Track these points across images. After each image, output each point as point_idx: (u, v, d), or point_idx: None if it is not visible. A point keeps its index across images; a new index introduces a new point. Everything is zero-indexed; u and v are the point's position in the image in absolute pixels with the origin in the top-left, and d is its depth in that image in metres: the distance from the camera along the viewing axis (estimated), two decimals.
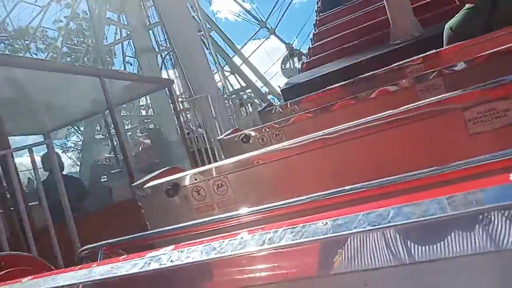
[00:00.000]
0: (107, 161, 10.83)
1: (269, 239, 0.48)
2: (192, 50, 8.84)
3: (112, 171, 8.27)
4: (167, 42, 16.82)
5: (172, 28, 9.02)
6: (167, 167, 1.70)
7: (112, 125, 5.44)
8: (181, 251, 0.55)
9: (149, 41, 15.06)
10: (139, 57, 14.66)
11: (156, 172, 1.66)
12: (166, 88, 6.89)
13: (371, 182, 0.75)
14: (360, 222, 0.42)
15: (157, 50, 16.22)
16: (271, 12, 20.69)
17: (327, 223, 0.45)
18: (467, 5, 2.41)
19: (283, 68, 16.63)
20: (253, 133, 2.18)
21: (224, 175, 1.39)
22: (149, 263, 0.57)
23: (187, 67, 8.74)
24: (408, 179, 0.70)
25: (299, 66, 4.56)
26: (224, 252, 0.50)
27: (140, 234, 1.11)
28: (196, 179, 1.45)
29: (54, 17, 19.64)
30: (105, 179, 8.09)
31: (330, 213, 0.48)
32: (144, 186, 1.54)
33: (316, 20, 6.25)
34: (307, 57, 4.92)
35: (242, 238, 0.52)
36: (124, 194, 5.00)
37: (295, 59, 16.57)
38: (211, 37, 16.96)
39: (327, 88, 2.49)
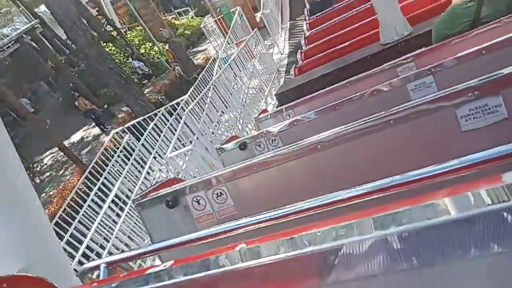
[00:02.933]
0: None
1: (267, 250, 0.49)
2: None
3: None
4: None
5: None
6: (167, 179, 1.70)
7: None
8: (180, 266, 0.55)
9: None
10: None
11: (155, 184, 1.66)
12: None
13: (368, 184, 0.75)
14: (357, 229, 0.43)
15: None
16: None
17: (322, 232, 0.46)
18: (454, 2, 2.44)
19: None
20: (250, 140, 2.19)
21: (223, 184, 1.40)
22: (148, 281, 0.57)
23: None
24: (405, 180, 0.71)
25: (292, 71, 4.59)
26: (223, 267, 0.50)
27: (143, 250, 1.11)
28: (195, 189, 1.46)
29: None
30: None
31: (327, 222, 0.48)
32: (144, 199, 1.54)
33: (306, 23, 6.29)
34: (299, 61, 4.95)
35: (240, 250, 0.52)
36: None
37: None
38: None
39: (321, 91, 2.51)
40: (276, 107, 3.31)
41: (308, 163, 1.33)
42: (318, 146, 1.29)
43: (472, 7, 2.33)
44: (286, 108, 2.63)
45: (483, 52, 1.66)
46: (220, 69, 6.97)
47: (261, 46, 8.33)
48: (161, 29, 11.98)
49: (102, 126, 13.41)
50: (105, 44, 15.71)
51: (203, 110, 6.23)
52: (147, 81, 15.19)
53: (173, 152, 5.18)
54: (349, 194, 0.79)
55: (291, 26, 10.03)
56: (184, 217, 1.46)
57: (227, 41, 9.43)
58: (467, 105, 1.00)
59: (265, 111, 2.92)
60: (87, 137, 14.27)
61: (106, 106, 14.41)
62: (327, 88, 2.48)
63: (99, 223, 5.16)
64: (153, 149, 7.31)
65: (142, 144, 7.51)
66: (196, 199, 1.43)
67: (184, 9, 20.97)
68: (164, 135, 7.20)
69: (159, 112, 7.74)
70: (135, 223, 5.61)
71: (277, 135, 2.10)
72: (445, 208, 0.54)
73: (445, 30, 2.42)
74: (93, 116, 13.37)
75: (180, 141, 6.02)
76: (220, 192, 1.40)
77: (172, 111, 7.46)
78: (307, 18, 6.73)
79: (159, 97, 12.23)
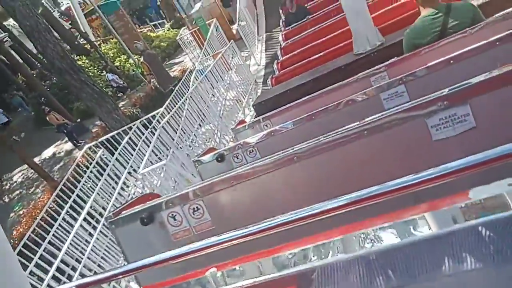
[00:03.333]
0: None
1: (238, 274, 0.47)
2: None
3: None
4: None
5: None
6: (141, 194, 1.65)
7: None
8: None
9: None
10: None
11: (130, 201, 1.61)
12: None
13: (343, 197, 0.75)
14: (330, 249, 0.41)
15: None
16: None
17: (295, 254, 0.44)
18: (423, 13, 2.54)
19: None
20: (227, 152, 2.17)
21: (200, 198, 1.36)
22: None
23: None
24: (379, 191, 0.71)
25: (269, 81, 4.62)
26: None
27: (116, 271, 1.06)
28: (171, 204, 1.42)
29: None
30: None
31: (301, 241, 0.47)
32: (117, 217, 1.48)
33: (282, 34, 6.38)
34: (276, 71, 5.00)
35: (210, 275, 0.50)
36: None
37: None
38: None
39: (297, 101, 2.53)
40: (254, 118, 3.31)
41: (286, 175, 1.32)
42: (295, 157, 1.28)
43: (440, 19, 2.43)
44: (264, 118, 2.63)
45: (451, 61, 1.72)
46: (197, 80, 6.87)
47: (238, 57, 8.27)
48: (135, 41, 11.71)
49: (75, 141, 12.96)
50: (78, 57, 15.33)
51: (179, 123, 6.11)
52: (122, 94, 14.86)
53: (146, 168, 4.95)
54: (325, 207, 0.78)
55: (267, 38, 10.06)
56: (160, 234, 1.41)
57: (204, 53, 9.30)
58: (437, 115, 1.03)
59: (242, 122, 2.91)
60: (59, 152, 13.71)
61: (79, 120, 13.98)
62: (303, 98, 2.50)
63: (70, 243, 4.84)
64: (128, 163, 7.02)
65: (116, 159, 7.22)
66: (172, 214, 1.39)
67: (160, 21, 20.82)
68: (139, 149, 6.92)
69: (134, 125, 7.46)
70: (108, 242, 5.32)
71: (254, 147, 2.09)
72: (419, 222, 0.54)
73: (414, 40, 2.50)
74: (65, 131, 12.92)
75: (157, 155, 5.85)
76: (197, 207, 1.37)
77: (148, 125, 7.21)
78: (282, 29, 6.83)
79: (134, 110, 11.85)
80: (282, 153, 1.30)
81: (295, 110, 2.46)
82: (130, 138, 7.09)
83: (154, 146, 5.61)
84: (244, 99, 7.61)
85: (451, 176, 0.61)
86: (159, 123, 5.95)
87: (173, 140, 5.79)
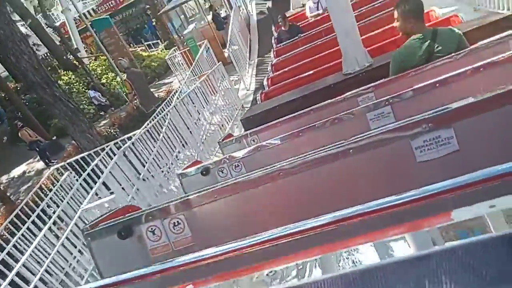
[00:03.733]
0: None
1: None
2: None
3: None
4: None
5: None
6: (121, 206, 1.61)
7: None
8: None
9: None
10: None
11: (109, 212, 1.56)
12: None
13: (326, 216, 0.73)
14: (312, 268, 0.40)
15: None
16: None
17: (275, 272, 0.42)
18: (411, 37, 2.60)
19: None
20: (212, 165, 2.14)
21: (180, 213, 1.33)
22: None
23: None
24: (362, 211, 0.69)
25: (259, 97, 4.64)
26: None
27: (89, 286, 1.01)
28: (151, 218, 1.38)
29: None
30: None
31: (282, 259, 0.45)
32: (94, 229, 1.43)
33: (274, 51, 6.46)
34: (266, 87, 5.03)
35: None
36: None
37: None
38: None
39: (285, 117, 2.53)
40: (242, 132, 3.30)
41: (270, 191, 1.30)
42: (280, 173, 1.27)
43: (426, 43, 2.49)
44: (251, 133, 2.62)
45: (437, 85, 1.75)
46: (180, 102, 6.39)
47: (226, 81, 7.94)
48: (119, 58, 11.27)
49: (47, 160, 11.92)
50: (65, 72, 14.97)
51: (154, 147, 5.61)
52: (104, 112, 14.19)
53: (89, 204, 4.30)
54: (307, 225, 0.77)
55: (259, 63, 9.89)
56: (138, 249, 1.36)
57: (191, 74, 8.97)
58: (422, 137, 1.03)
59: (229, 136, 2.89)
60: (29, 171, 12.66)
61: (55, 137, 12.94)
62: (291, 115, 2.51)
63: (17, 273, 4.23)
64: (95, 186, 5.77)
65: (81, 184, 6.55)
66: (151, 228, 1.35)
67: (154, 41, 20.89)
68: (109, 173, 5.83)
69: (107, 147, 6.72)
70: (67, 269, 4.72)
71: (240, 161, 2.07)
72: (400, 243, 0.52)
73: (401, 63, 2.55)
74: (37, 149, 11.93)
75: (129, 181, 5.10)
76: (177, 222, 1.33)
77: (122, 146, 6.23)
78: (274, 46, 6.93)
79: (112, 130, 11.15)
80: (267, 168, 1.29)
81: (283, 126, 2.46)
82: (101, 160, 6.26)
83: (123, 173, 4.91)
84: (228, 124, 7.20)
85: (434, 198, 0.61)
86: (134, 146, 5.39)
87: (145, 165, 5.27)
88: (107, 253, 1.40)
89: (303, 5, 8.25)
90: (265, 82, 5.14)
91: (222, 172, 2.07)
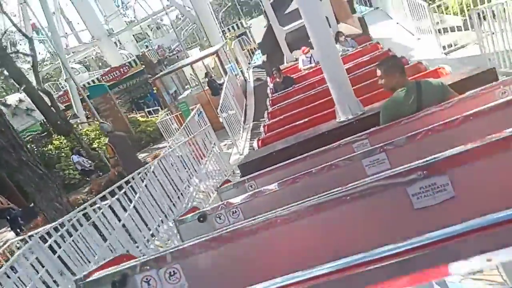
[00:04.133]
0: None
1: None
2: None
3: None
4: None
5: None
6: (116, 256, 1.56)
7: None
8: None
9: None
10: None
11: (104, 262, 1.51)
12: None
13: (325, 266, 0.73)
14: None
15: None
16: None
17: None
18: (396, 90, 2.73)
19: None
20: (210, 212, 2.12)
21: (176, 262, 1.30)
22: None
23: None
24: (359, 261, 0.69)
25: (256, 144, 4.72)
26: None
27: None
28: (146, 268, 1.34)
29: None
30: None
31: None
32: (88, 279, 1.38)
33: (269, 100, 6.68)
34: (262, 134, 5.13)
35: None
36: None
37: None
38: None
39: (282, 163, 2.56)
40: (239, 178, 3.31)
41: (268, 238, 1.29)
42: (278, 220, 1.26)
43: (413, 94, 2.61)
44: (248, 179, 2.62)
45: (429, 133, 1.80)
46: (160, 164, 5.74)
47: (217, 146, 7.50)
48: (101, 121, 10.84)
49: (18, 229, 10.47)
50: (57, 137, 14.44)
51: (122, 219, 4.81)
52: (87, 177, 13.21)
53: None
54: (307, 275, 0.76)
55: (254, 127, 9.48)
56: None
57: (180, 137, 8.41)
58: (418, 184, 1.05)
59: (227, 181, 2.90)
60: None
61: (32, 205, 11.03)
62: (288, 161, 2.54)
63: None
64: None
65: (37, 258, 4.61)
66: (147, 279, 1.31)
67: (155, 108, 21.53)
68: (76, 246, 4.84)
69: (74, 217, 4.93)
70: None
71: (238, 207, 2.06)
72: None
73: (391, 114, 2.65)
74: (8, 217, 10.65)
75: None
76: (173, 271, 1.30)
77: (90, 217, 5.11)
78: (270, 95, 7.17)
79: (88, 198, 9.79)
80: (265, 215, 1.28)
81: (280, 171, 2.48)
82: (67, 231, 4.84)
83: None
84: (212, 195, 6.40)
85: (431, 247, 0.61)
86: (105, 217, 4.71)
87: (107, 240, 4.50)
88: None
89: (296, 59, 8.64)
90: (261, 129, 5.25)
91: (220, 219, 2.04)
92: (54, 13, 20.01)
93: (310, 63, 7.76)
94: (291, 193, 1.96)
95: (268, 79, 8.45)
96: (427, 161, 1.08)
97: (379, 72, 2.79)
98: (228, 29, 26.87)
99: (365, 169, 1.76)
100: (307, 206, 1.21)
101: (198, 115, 9.02)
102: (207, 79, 13.87)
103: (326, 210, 1.17)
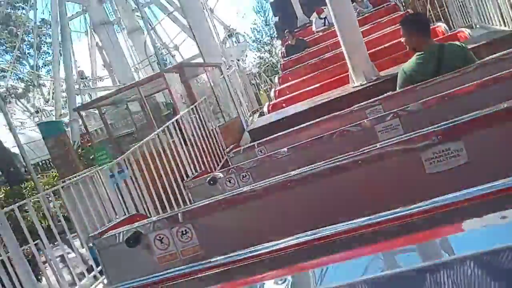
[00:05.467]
0: None
1: None
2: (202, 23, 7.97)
3: None
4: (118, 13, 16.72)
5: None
6: (129, 215, 1.62)
7: None
8: None
9: (104, 14, 15.14)
10: (98, 30, 14.62)
11: (116, 220, 1.56)
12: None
13: (335, 226, 0.74)
14: (322, 278, 0.40)
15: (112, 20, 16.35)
16: None
17: (286, 279, 0.43)
18: (417, 53, 2.62)
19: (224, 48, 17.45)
20: (220, 175, 2.15)
21: (188, 221, 1.33)
22: None
23: (200, 41, 7.75)
24: (371, 221, 0.70)
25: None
26: None
27: None
28: (159, 227, 1.38)
29: None
30: None
31: (292, 268, 0.46)
32: (103, 236, 1.44)
33: (281, 64, 6.54)
34: (273, 99, 5.07)
35: None
36: None
37: (233, 39, 18.20)
38: None
39: (293, 129, 2.54)
40: (249, 143, 3.32)
41: (278, 201, 1.31)
42: (288, 184, 1.27)
43: (434, 58, 2.51)
44: (258, 144, 2.63)
45: (445, 98, 1.75)
46: None
47: None
48: None
49: None
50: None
51: None
52: None
53: None
54: (317, 235, 0.77)
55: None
56: (145, 257, 1.36)
57: None
58: (431, 149, 1.03)
59: (237, 146, 2.91)
60: None
61: None
62: (299, 126, 2.52)
63: None
64: None
65: None
66: (159, 237, 1.35)
67: None
68: None
69: None
70: None
71: (248, 171, 2.08)
72: (410, 254, 0.53)
73: (409, 78, 2.57)
74: None
75: None
76: (185, 230, 1.33)
77: None
78: (281, 59, 7.01)
79: None
80: (275, 179, 1.29)
81: (290, 137, 2.47)
82: None
83: None
84: None
85: (445, 209, 0.61)
86: None
87: None
88: (116, 261, 1.40)
89: (310, 21, 8.35)
90: (272, 94, 5.18)
91: (230, 182, 2.07)
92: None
93: (324, 25, 7.49)
94: (302, 158, 1.96)
95: (280, 41, 8.21)
96: (442, 126, 1.06)
97: (402, 30, 2.67)
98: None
99: (377, 135, 1.74)
100: (318, 170, 1.21)
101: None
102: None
103: (338, 174, 1.17)
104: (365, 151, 1.12)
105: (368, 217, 0.70)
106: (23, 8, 23.78)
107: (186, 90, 5.44)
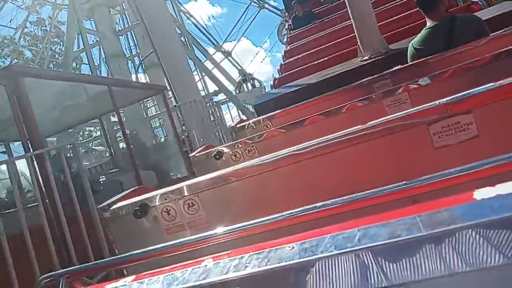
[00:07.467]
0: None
1: (234, 266, 0.46)
2: (175, 53, 8.27)
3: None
4: (137, 48, 16.71)
5: (154, 31, 8.36)
6: (136, 187, 1.64)
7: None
8: (141, 282, 0.51)
9: (119, 47, 14.93)
10: (110, 63, 14.50)
11: (124, 193, 1.59)
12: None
13: (341, 198, 0.74)
14: (327, 245, 0.41)
15: (127, 55, 16.17)
16: (227, 36, 20.57)
17: (293, 247, 0.43)
18: (428, 24, 2.54)
19: (237, 92, 16.93)
20: (226, 150, 2.16)
21: (195, 194, 1.35)
22: None
23: (170, 71, 8.09)
24: (378, 194, 0.69)
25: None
26: (187, 283, 0.47)
27: (106, 260, 1.05)
28: (165, 199, 1.40)
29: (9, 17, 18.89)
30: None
31: (298, 236, 0.46)
32: (111, 208, 1.47)
33: (288, 37, 6.39)
34: (279, 73, 4.99)
35: (206, 266, 0.49)
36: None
37: (249, 84, 17.29)
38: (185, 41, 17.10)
39: (299, 103, 2.52)
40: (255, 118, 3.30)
41: (284, 174, 1.31)
42: (294, 157, 1.27)
43: (445, 30, 2.43)
44: (264, 119, 2.62)
45: (456, 72, 1.71)
46: None
47: None
48: None
49: None
50: None
51: None
52: None
53: None
54: (322, 207, 0.77)
55: None
56: (153, 228, 1.39)
57: None
58: (440, 122, 1.02)
59: (242, 121, 2.90)
60: None
61: None
62: (305, 101, 2.49)
63: None
64: None
65: None
66: (166, 209, 1.38)
67: None
68: None
69: None
70: None
71: (253, 145, 2.08)
72: (412, 228, 0.52)
73: (419, 50, 2.50)
74: None
75: None
76: (192, 203, 1.35)
77: None
78: (288, 32, 6.85)
79: None
80: (281, 153, 1.29)
81: (297, 112, 2.45)
82: None
83: None
84: None
85: (454, 181, 0.60)
86: None
87: None
88: (124, 232, 1.44)
89: None
90: (278, 68, 5.10)
91: (235, 156, 2.08)
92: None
93: None
94: (308, 133, 1.95)
95: (286, 13, 7.99)
96: (451, 99, 1.04)
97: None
98: None
99: (385, 110, 1.72)
100: (325, 144, 1.20)
101: None
102: None
103: (345, 148, 1.16)
104: (372, 125, 1.11)
105: (375, 189, 0.70)
106: None
107: None
